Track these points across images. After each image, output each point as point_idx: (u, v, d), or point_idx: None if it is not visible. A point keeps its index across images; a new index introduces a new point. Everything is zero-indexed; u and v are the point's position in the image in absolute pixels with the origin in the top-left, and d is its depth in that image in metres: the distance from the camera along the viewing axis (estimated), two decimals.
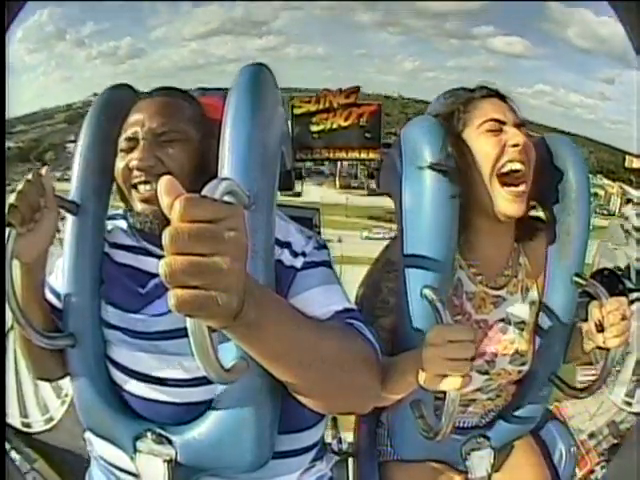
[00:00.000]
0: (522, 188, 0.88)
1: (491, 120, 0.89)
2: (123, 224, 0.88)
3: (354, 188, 22.48)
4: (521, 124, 0.91)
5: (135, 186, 0.78)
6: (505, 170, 0.87)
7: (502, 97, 0.94)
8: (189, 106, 0.84)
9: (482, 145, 0.89)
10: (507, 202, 0.88)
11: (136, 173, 0.77)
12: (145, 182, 0.77)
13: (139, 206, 0.78)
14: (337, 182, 22.79)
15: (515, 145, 0.87)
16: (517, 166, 0.87)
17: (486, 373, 0.93)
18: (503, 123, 0.89)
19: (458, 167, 0.87)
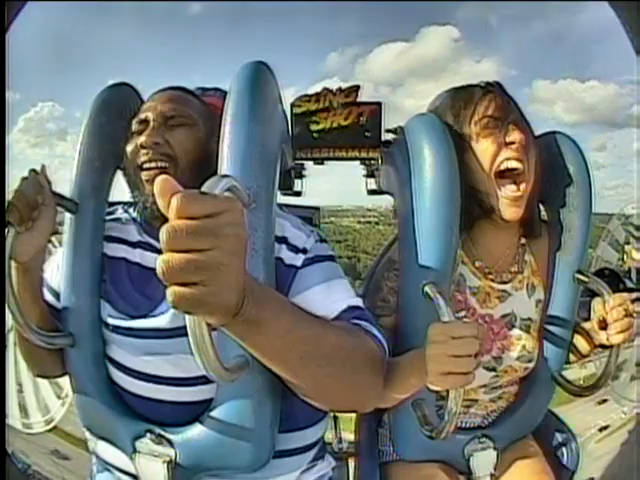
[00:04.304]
0: (520, 192, 0.86)
1: (489, 117, 0.88)
2: (125, 219, 0.88)
3: None
4: (520, 120, 0.89)
5: (142, 167, 0.79)
6: (502, 168, 0.86)
7: (503, 92, 0.93)
8: (197, 100, 0.88)
9: (479, 143, 0.88)
10: (505, 205, 0.87)
11: (142, 151, 0.78)
12: (150, 161, 0.78)
13: (146, 187, 0.79)
14: None
15: (511, 142, 0.86)
16: (514, 164, 0.86)
17: (493, 370, 0.93)
18: (501, 120, 0.88)
19: (459, 165, 0.86)
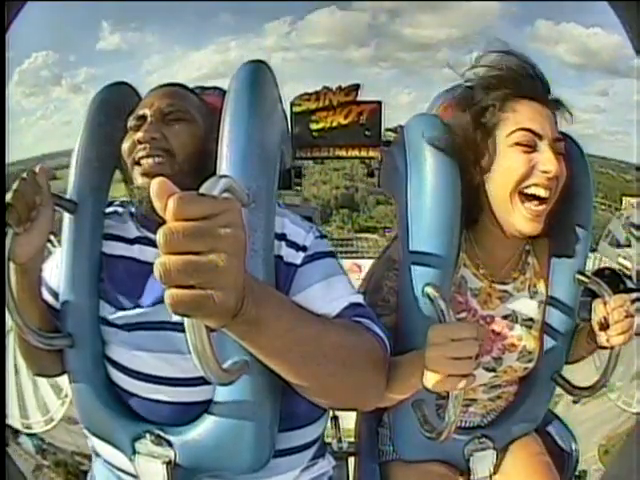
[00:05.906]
0: (543, 207, 0.83)
1: (525, 130, 0.81)
2: (123, 216, 0.87)
3: None
4: (559, 140, 0.83)
5: (138, 162, 0.78)
6: (528, 192, 0.82)
7: (547, 100, 0.84)
8: (195, 97, 0.87)
9: (509, 158, 0.82)
10: (525, 220, 0.83)
11: (139, 147, 0.77)
12: (148, 156, 0.77)
13: (139, 180, 0.78)
14: None
15: (546, 172, 0.80)
16: (542, 193, 0.81)
17: (493, 370, 0.93)
18: (539, 137, 0.81)
19: (473, 173, 0.84)
